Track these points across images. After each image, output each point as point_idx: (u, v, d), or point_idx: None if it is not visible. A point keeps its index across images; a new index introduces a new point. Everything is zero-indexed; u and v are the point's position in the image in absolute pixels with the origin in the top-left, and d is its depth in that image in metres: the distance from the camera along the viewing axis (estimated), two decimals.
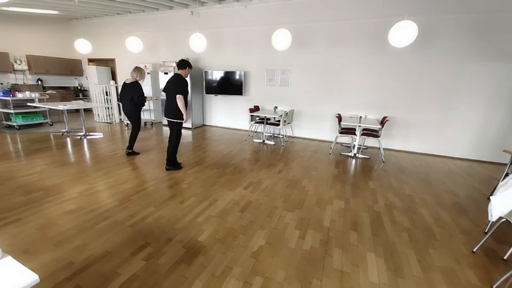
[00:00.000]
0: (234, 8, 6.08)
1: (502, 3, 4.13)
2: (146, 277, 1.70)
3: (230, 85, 6.49)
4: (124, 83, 4.05)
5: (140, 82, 4.09)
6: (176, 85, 3.38)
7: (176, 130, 3.59)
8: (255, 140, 5.76)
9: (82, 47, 5.78)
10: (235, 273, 1.77)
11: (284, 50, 4.81)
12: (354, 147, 4.93)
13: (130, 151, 4.32)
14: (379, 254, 2.05)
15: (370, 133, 4.81)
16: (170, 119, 3.54)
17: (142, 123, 7.25)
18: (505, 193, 1.74)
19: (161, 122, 7.43)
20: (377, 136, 4.65)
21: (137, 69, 4.05)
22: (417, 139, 5.21)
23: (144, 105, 4.26)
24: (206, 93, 6.98)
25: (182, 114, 3.48)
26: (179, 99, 3.37)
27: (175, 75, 3.48)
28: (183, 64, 3.50)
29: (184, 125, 6.92)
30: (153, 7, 6.70)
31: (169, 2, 6.11)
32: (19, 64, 7.54)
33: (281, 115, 5.21)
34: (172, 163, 3.73)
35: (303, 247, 2.09)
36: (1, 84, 7.26)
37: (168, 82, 3.49)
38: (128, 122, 6.90)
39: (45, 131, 5.86)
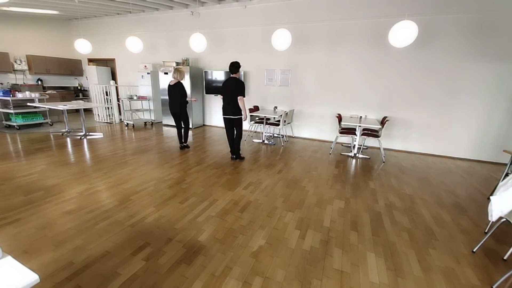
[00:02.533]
0: (234, 8, 6.08)
1: (502, 3, 4.13)
2: (146, 277, 1.70)
3: None
4: (169, 85, 4.44)
5: (182, 81, 4.46)
6: (239, 88, 3.89)
7: (240, 124, 4.17)
8: (254, 140, 5.76)
9: (82, 47, 5.78)
10: (234, 273, 1.77)
11: (284, 50, 4.81)
12: (354, 147, 4.93)
13: (185, 144, 4.82)
14: (379, 254, 2.05)
15: (370, 133, 4.81)
16: (234, 116, 4.05)
17: (142, 123, 7.26)
18: (505, 193, 1.74)
19: (161, 122, 7.43)
20: (377, 136, 4.65)
21: (177, 70, 4.38)
22: (417, 139, 5.21)
23: (188, 102, 4.64)
24: (206, 93, 6.98)
25: (241, 111, 4.04)
26: (242, 100, 3.93)
27: (234, 78, 3.92)
28: (238, 67, 3.92)
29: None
30: (153, 7, 6.70)
31: (169, 2, 6.11)
32: (19, 64, 7.54)
33: (281, 115, 5.21)
34: (239, 154, 4.32)
35: (303, 247, 2.09)
36: (1, 84, 7.26)
37: (228, 86, 3.95)
38: (128, 122, 6.92)
39: (45, 131, 5.86)
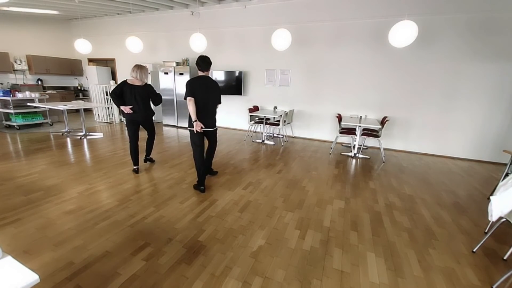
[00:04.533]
0: (234, 8, 6.08)
1: (502, 3, 4.13)
2: (146, 277, 1.70)
3: (230, 85, 6.49)
4: (132, 86, 3.31)
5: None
6: (219, 91, 3.08)
7: (216, 135, 3.31)
8: (254, 140, 5.76)
9: (82, 47, 5.78)
10: (234, 273, 1.77)
11: (283, 50, 4.81)
12: (354, 147, 4.93)
13: (149, 157, 3.99)
14: (379, 254, 2.05)
15: (370, 133, 4.81)
16: (214, 128, 3.21)
17: None
18: (505, 193, 1.74)
19: (161, 122, 7.42)
20: (377, 136, 4.65)
21: (139, 68, 3.32)
22: (417, 139, 5.21)
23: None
24: None
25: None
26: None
27: (208, 78, 3.00)
28: (210, 62, 2.96)
29: (184, 125, 6.98)
30: (153, 7, 6.70)
31: (169, 2, 6.11)
32: (19, 64, 7.54)
33: (281, 115, 5.21)
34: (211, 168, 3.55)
35: (303, 247, 2.09)
36: (1, 84, 7.26)
37: (207, 89, 2.93)
38: None
39: (45, 131, 5.86)
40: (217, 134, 3.39)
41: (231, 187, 3.20)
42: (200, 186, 3.04)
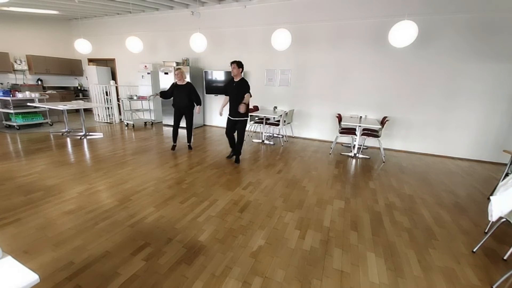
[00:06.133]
0: (234, 8, 6.08)
1: (502, 3, 4.13)
2: (146, 277, 1.70)
3: None
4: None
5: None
6: (236, 92, 3.87)
7: (244, 126, 4.08)
8: (254, 140, 5.76)
9: (82, 47, 5.78)
10: (234, 273, 1.77)
11: (283, 50, 4.81)
12: (354, 147, 4.93)
13: (188, 143, 4.94)
14: (379, 254, 2.05)
15: (370, 133, 4.81)
16: (242, 118, 4.02)
17: (142, 123, 7.25)
18: (505, 193, 1.74)
19: (161, 122, 7.42)
20: (377, 136, 4.65)
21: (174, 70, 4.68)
22: (417, 139, 5.21)
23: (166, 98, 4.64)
24: (206, 93, 6.98)
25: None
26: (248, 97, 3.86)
27: (232, 80, 3.93)
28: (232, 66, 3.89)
29: (184, 125, 6.97)
30: (153, 7, 6.70)
31: (169, 2, 6.11)
32: (19, 64, 7.53)
33: (281, 115, 5.21)
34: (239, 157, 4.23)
35: (303, 247, 2.09)
36: (1, 84, 7.26)
37: (233, 87, 3.91)
38: (128, 122, 6.92)
39: (45, 131, 5.86)
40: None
41: (231, 187, 3.20)
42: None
